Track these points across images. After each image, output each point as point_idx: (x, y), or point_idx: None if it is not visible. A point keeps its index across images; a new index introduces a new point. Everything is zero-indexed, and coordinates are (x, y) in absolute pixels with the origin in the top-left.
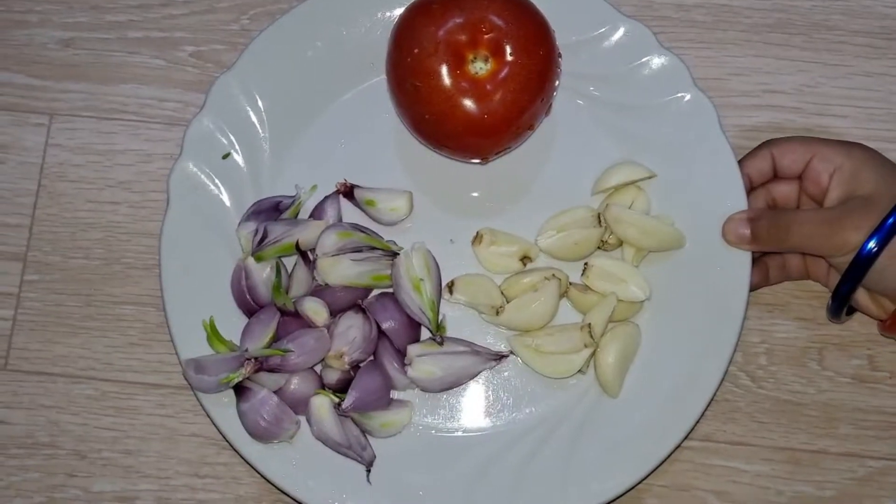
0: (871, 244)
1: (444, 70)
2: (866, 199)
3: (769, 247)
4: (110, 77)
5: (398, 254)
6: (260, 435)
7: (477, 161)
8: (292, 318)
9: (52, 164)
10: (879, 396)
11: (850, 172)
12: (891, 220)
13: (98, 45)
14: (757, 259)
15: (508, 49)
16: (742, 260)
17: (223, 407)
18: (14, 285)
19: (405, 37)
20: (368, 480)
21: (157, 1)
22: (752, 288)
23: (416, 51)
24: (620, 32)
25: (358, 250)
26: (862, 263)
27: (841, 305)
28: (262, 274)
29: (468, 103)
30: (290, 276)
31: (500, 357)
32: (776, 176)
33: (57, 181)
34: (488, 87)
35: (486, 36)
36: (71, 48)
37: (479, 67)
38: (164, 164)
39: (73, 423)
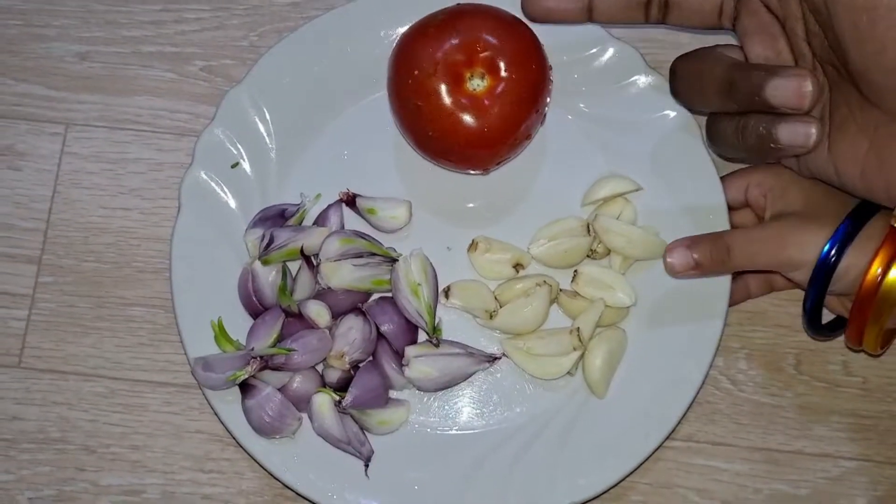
0: (832, 253)
1: (444, 89)
2: (799, 215)
3: (715, 271)
4: (124, 89)
5: (397, 260)
6: (264, 430)
7: (477, 172)
8: (296, 320)
9: (66, 171)
10: (853, 400)
11: (780, 191)
12: (842, 229)
13: (113, 59)
14: (737, 276)
15: (502, 65)
16: None
17: (228, 404)
18: (29, 287)
19: (405, 59)
20: (367, 475)
21: (170, 17)
22: (735, 302)
23: (416, 72)
24: (609, 53)
25: (359, 256)
26: (820, 275)
27: (812, 320)
28: (268, 277)
29: (468, 119)
30: (294, 279)
31: (493, 359)
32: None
33: (71, 188)
34: (486, 102)
35: (481, 54)
36: (87, 61)
37: (477, 84)
38: (174, 173)
39: (84, 419)
